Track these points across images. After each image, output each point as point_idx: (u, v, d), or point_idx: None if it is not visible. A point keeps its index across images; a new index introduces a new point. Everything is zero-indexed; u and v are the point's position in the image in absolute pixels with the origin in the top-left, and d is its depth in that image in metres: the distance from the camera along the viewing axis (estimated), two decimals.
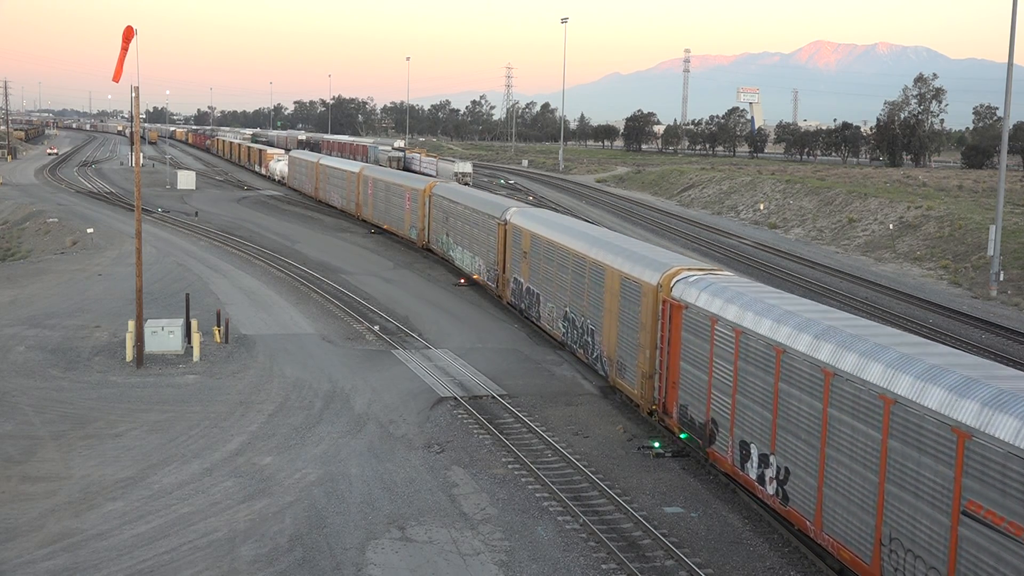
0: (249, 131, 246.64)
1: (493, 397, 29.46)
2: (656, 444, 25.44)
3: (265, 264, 52.62)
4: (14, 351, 33.50)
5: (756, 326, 20.82)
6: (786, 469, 19.51)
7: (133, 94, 34.35)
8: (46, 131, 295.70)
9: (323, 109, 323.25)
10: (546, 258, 35.38)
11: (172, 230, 65.71)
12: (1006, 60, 48.74)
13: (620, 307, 28.39)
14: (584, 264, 31.47)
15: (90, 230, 64.70)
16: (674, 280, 25.45)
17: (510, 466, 23.89)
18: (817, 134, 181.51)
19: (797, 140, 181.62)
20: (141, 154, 40.61)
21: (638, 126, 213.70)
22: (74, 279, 48.26)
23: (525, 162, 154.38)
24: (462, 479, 23.00)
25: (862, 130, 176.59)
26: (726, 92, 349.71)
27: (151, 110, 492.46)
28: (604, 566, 18.87)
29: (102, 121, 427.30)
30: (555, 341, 35.28)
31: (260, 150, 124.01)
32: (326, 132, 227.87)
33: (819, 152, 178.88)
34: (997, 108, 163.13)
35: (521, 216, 39.98)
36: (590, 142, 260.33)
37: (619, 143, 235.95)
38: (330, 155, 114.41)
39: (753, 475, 20.81)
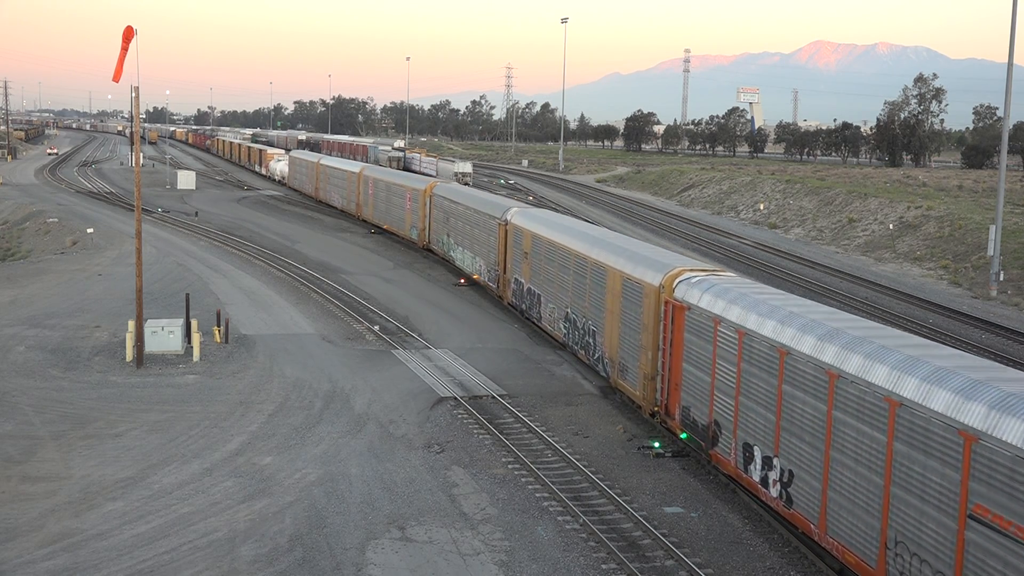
0: (249, 131, 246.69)
1: (493, 397, 29.46)
2: (656, 444, 25.44)
3: (265, 264, 52.62)
4: (14, 351, 33.50)
5: (760, 327, 20.70)
6: (790, 472, 19.40)
7: (133, 94, 34.35)
8: (46, 131, 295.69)
9: (323, 109, 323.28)
10: (547, 259, 35.34)
11: (172, 230, 65.71)
12: (1006, 60, 48.74)
13: (622, 308, 28.29)
14: (585, 265, 31.41)
15: (90, 230, 64.71)
16: (676, 281, 25.36)
17: (510, 466, 23.89)
18: (817, 134, 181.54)
19: (797, 140, 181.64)
20: (141, 154, 40.60)
21: (638, 126, 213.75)
22: (74, 279, 48.27)
23: (525, 162, 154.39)
24: (462, 479, 23.00)
25: (862, 130, 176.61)
26: (726, 92, 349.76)
27: (151, 110, 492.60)
28: (604, 566, 18.87)
29: (102, 121, 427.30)
30: (556, 342, 35.24)
31: (260, 150, 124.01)
32: (326, 132, 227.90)
33: (819, 152, 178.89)
34: (997, 108, 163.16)
35: (522, 216, 39.94)
36: (590, 142, 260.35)
37: (619, 143, 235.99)
38: (330, 155, 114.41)
39: (756, 477, 20.70)
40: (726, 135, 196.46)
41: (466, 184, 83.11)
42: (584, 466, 23.90)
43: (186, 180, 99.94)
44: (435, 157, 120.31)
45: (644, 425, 27.12)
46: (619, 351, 28.49)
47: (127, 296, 41.35)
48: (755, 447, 20.76)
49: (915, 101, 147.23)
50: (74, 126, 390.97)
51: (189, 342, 34.23)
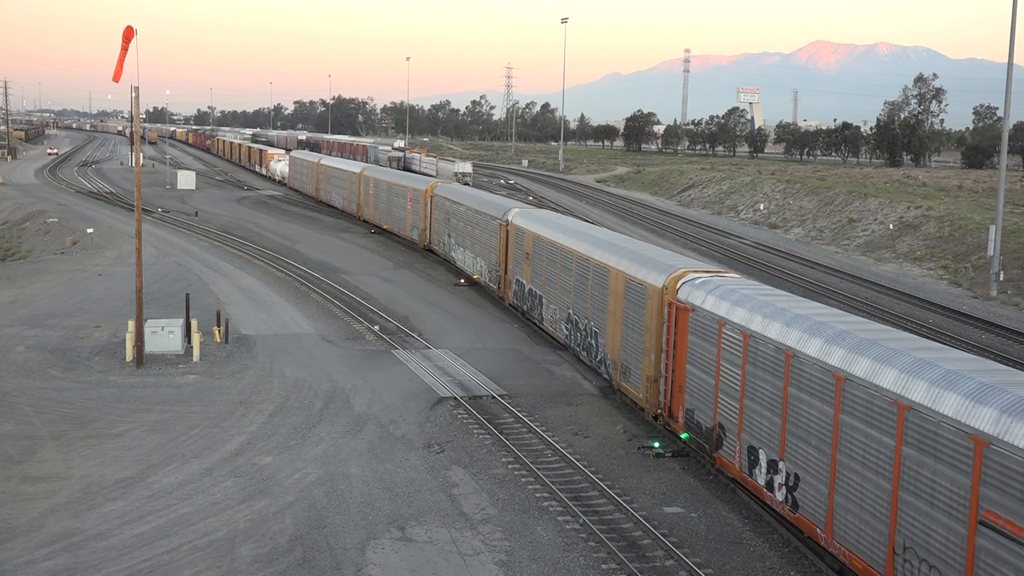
0: (249, 131, 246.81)
1: (493, 397, 29.46)
2: (656, 444, 25.42)
3: (265, 264, 52.62)
4: (14, 351, 33.50)
5: (765, 329, 20.51)
6: (796, 475, 19.22)
7: (133, 94, 34.35)
8: (46, 131, 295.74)
9: (323, 109, 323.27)
10: (549, 259, 35.25)
11: (172, 230, 65.72)
12: (1006, 60, 48.72)
13: (624, 310, 28.12)
14: (587, 266, 31.28)
15: (90, 230, 64.71)
16: (680, 282, 25.19)
17: (510, 466, 23.89)
18: (817, 134, 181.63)
19: (797, 140, 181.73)
20: (141, 154, 40.61)
21: (638, 126, 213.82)
22: (74, 279, 48.26)
23: (525, 162, 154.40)
24: (462, 479, 23.00)
25: (862, 130, 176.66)
26: (726, 92, 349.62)
27: (151, 110, 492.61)
28: (604, 566, 18.86)
29: (102, 121, 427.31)
30: (557, 343, 35.19)
31: (260, 150, 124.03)
32: (326, 132, 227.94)
33: (819, 152, 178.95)
34: (997, 108, 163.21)
35: (523, 217, 39.85)
36: (590, 142, 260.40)
37: (619, 143, 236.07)
38: (330, 155, 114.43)
39: (762, 481, 20.52)
40: (726, 135, 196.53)
41: (466, 184, 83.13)
42: (584, 466, 23.90)
43: (186, 180, 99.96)
44: (435, 157, 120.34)
45: (644, 425, 27.11)
46: (622, 353, 28.32)
47: (127, 296, 41.35)
48: (760, 450, 20.59)
49: (915, 101, 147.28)
50: (74, 126, 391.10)
51: (189, 342, 34.23)
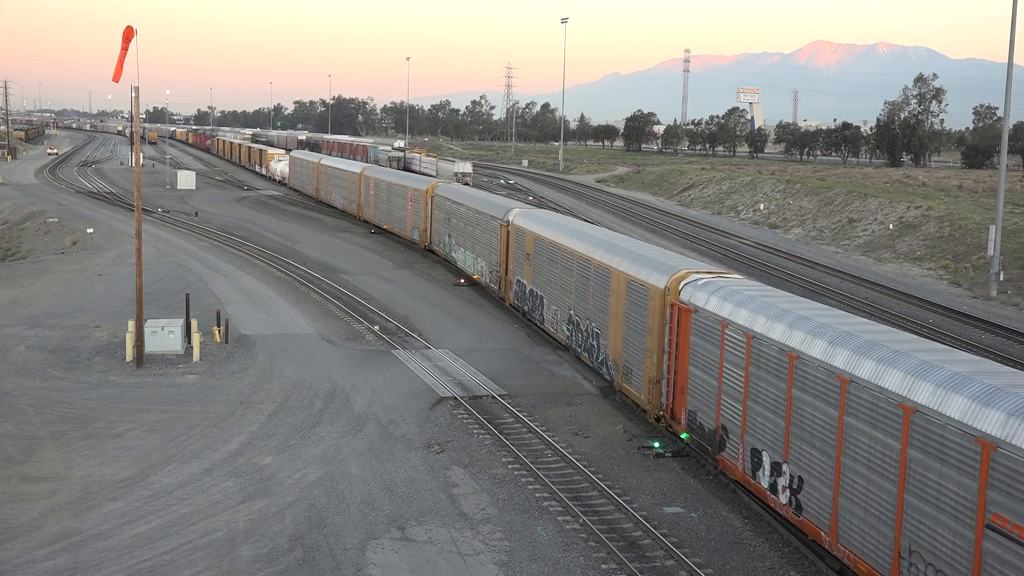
0: (249, 131, 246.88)
1: (493, 397, 29.45)
2: (656, 444, 25.41)
3: (265, 264, 52.62)
4: (14, 351, 33.50)
5: (768, 331, 20.39)
6: (800, 478, 19.10)
7: (133, 94, 34.35)
8: (46, 131, 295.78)
9: (323, 109, 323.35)
10: (550, 260, 35.19)
11: (172, 230, 65.72)
12: (1006, 60, 48.72)
13: (626, 311, 28.02)
14: (589, 266, 31.19)
15: (90, 230, 64.72)
16: (682, 283, 25.07)
17: (510, 466, 23.89)
18: (817, 134, 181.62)
19: (797, 140, 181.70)
20: (141, 154, 40.61)
21: (638, 126, 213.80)
22: (74, 279, 48.27)
23: (525, 162, 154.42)
24: (462, 479, 23.00)
25: (862, 130, 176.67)
26: (726, 92, 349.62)
27: (151, 110, 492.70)
28: (604, 566, 18.86)
29: (102, 121, 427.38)
30: (558, 344, 35.14)
31: (261, 150, 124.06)
32: (326, 132, 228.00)
33: (819, 152, 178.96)
34: (997, 108, 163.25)
35: (524, 217, 39.78)
36: (590, 142, 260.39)
37: (619, 143, 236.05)
38: (330, 155, 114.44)
39: (765, 484, 20.40)
40: (726, 135, 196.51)
41: (466, 184, 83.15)
42: (584, 466, 23.90)
43: (186, 180, 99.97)
44: (435, 157, 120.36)
45: (644, 425, 27.10)
46: (623, 354, 28.23)
47: (127, 296, 41.35)
48: (764, 452, 20.46)
49: (915, 101, 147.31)
50: (74, 126, 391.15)
51: (189, 342, 34.23)
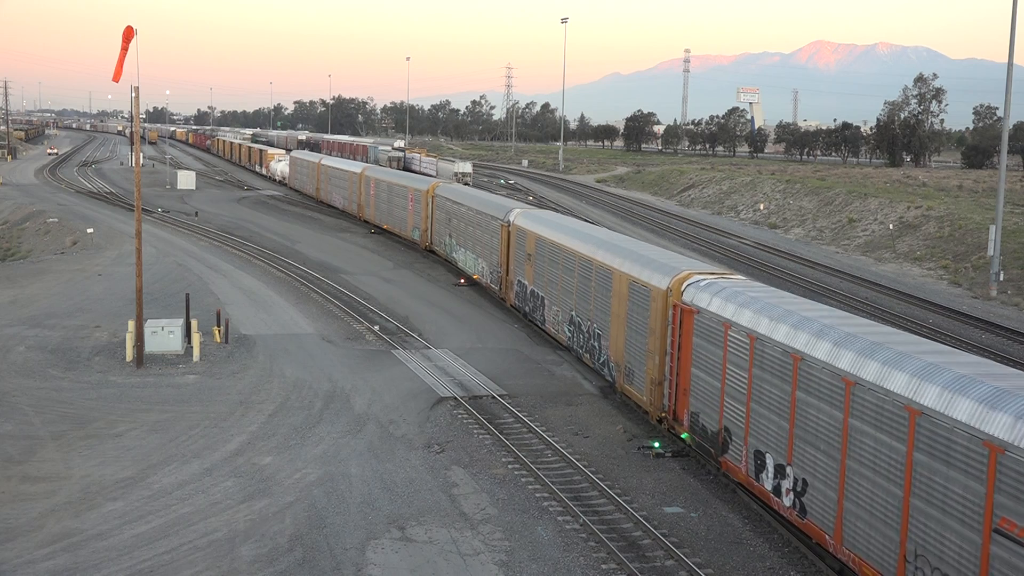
0: (249, 131, 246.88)
1: (493, 397, 29.45)
2: (656, 444, 25.40)
3: (265, 264, 52.62)
4: (14, 351, 33.51)
5: (772, 332, 20.26)
6: (804, 480, 18.98)
7: (133, 94, 34.36)
8: (46, 131, 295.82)
9: (323, 109, 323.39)
10: (551, 261, 35.12)
11: (172, 230, 65.72)
12: (1006, 60, 48.73)
13: (628, 312, 27.92)
14: (590, 267, 31.10)
15: (90, 230, 64.72)
16: (685, 284, 24.96)
17: (510, 466, 23.89)
18: (817, 134, 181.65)
19: (797, 140, 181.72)
20: (141, 154, 40.62)
21: (638, 126, 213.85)
22: (74, 279, 48.27)
23: (525, 162, 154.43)
24: (462, 479, 23.00)
25: (862, 130, 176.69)
26: (726, 92, 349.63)
27: (151, 110, 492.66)
28: (604, 566, 18.86)
29: (102, 121, 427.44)
30: (559, 344, 35.10)
31: (261, 150, 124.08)
32: (326, 132, 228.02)
33: (819, 152, 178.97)
34: (997, 108, 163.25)
35: (525, 218, 39.71)
36: (590, 142, 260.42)
37: (619, 143, 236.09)
38: (330, 155, 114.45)
39: (768, 486, 20.29)
40: (726, 135, 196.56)
41: (466, 184, 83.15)
42: (584, 466, 23.90)
43: (186, 180, 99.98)
44: (435, 157, 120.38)
45: (644, 425, 27.10)
46: (625, 355, 28.14)
47: (127, 296, 41.35)
48: (767, 455, 20.34)
49: (915, 101, 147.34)
50: (74, 126, 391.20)
51: (189, 342, 34.23)
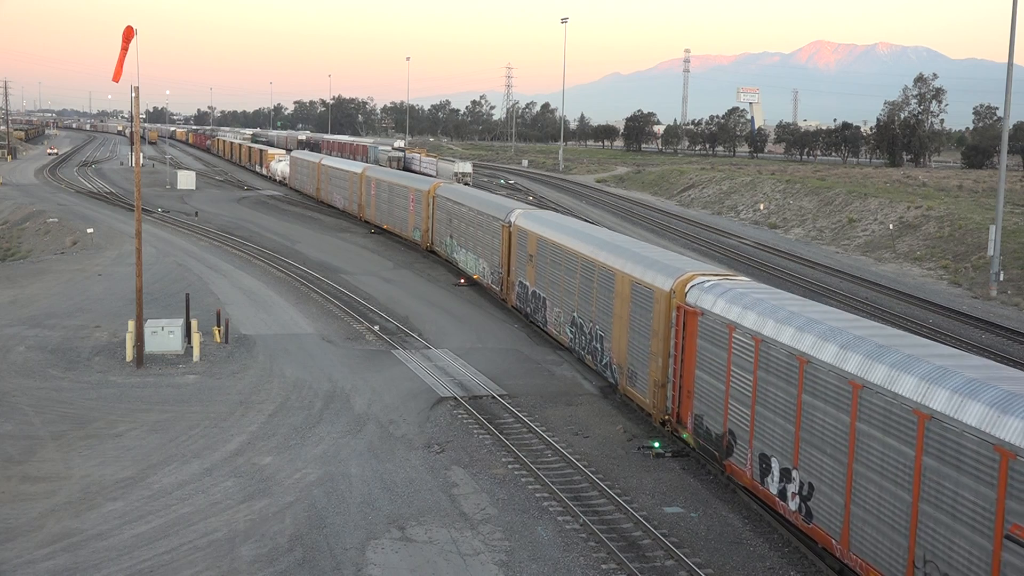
0: (249, 131, 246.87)
1: (493, 397, 29.45)
2: (656, 444, 25.39)
3: (265, 264, 52.63)
4: (14, 351, 33.51)
5: (777, 334, 20.08)
6: (810, 484, 18.82)
7: (133, 94, 34.36)
8: (46, 131, 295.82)
9: (323, 109, 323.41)
10: (552, 261, 35.02)
11: (172, 230, 65.73)
12: (1006, 60, 48.74)
13: (631, 313, 27.77)
14: (593, 268, 30.95)
15: (90, 230, 64.73)
16: (688, 286, 24.80)
17: (510, 466, 23.89)
18: (817, 134, 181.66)
19: (797, 140, 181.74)
20: (141, 154, 40.61)
21: (638, 126, 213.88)
22: (74, 279, 48.27)
23: (525, 162, 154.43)
24: (462, 479, 23.00)
25: (862, 130, 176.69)
26: (726, 92, 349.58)
27: (151, 110, 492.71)
28: (604, 566, 18.86)
29: (102, 121, 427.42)
30: (560, 345, 35.05)
31: (261, 150, 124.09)
32: (326, 132, 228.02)
33: (819, 152, 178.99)
34: (997, 108, 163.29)
35: (526, 218, 39.62)
36: (590, 142, 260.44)
37: (619, 143, 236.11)
38: (331, 155, 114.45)
39: (774, 490, 20.13)
40: (726, 135, 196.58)
41: (466, 184, 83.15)
42: (584, 466, 23.89)
43: (186, 180, 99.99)
44: (435, 157, 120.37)
45: (644, 425, 27.09)
46: (628, 357, 28.00)
47: (127, 296, 41.35)
48: (773, 459, 20.17)
49: (915, 101, 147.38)
50: (74, 126, 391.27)
51: (189, 342, 34.23)
